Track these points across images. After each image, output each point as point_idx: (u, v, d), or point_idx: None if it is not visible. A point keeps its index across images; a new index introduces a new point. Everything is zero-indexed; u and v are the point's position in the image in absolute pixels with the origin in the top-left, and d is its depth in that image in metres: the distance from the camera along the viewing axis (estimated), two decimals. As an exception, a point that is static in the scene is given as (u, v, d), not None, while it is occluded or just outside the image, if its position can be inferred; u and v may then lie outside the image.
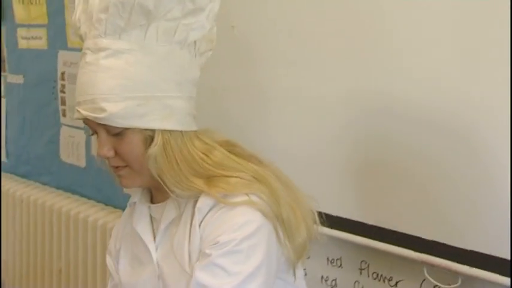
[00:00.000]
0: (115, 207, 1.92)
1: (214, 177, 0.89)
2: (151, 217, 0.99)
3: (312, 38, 1.28)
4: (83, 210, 1.94)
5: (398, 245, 1.17)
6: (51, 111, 2.14)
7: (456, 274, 1.09)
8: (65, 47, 2.04)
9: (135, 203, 1.02)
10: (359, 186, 1.24)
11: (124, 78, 0.85)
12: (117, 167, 0.90)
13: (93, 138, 0.93)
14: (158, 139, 0.87)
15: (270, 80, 1.37)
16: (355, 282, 1.30)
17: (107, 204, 1.96)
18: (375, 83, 1.19)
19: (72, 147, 2.08)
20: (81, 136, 2.04)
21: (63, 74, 2.07)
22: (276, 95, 1.36)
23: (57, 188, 2.14)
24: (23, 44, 2.22)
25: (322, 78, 1.27)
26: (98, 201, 1.99)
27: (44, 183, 2.19)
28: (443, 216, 1.11)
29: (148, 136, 0.87)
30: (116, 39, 0.86)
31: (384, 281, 1.24)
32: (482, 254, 1.07)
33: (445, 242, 1.11)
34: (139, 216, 0.99)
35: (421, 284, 1.19)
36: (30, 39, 2.19)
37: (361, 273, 1.28)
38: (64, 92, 2.08)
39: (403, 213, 1.17)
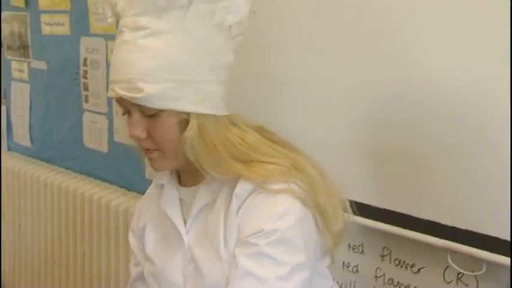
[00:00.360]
0: (137, 192, 1.94)
1: (251, 162, 0.88)
2: (180, 200, 0.98)
3: (333, 26, 1.27)
4: (106, 195, 1.96)
5: (422, 232, 1.16)
6: (74, 97, 2.16)
7: (481, 261, 1.08)
8: (87, 33, 2.05)
9: (163, 184, 1.01)
10: (381, 172, 1.23)
11: (163, 60, 0.83)
12: (148, 150, 0.89)
13: (124, 119, 0.92)
14: (193, 123, 0.86)
15: (290, 66, 1.36)
16: (376, 269, 1.29)
17: (128, 190, 1.98)
18: (392, 72, 1.18)
19: (95, 133, 2.10)
20: (103, 122, 2.05)
21: (85, 60, 2.09)
22: (295, 82, 1.35)
23: (80, 173, 2.17)
24: (46, 30, 2.24)
25: (342, 66, 1.26)
26: (120, 187, 2.02)
27: (67, 168, 2.22)
28: (467, 203, 1.10)
29: (183, 119, 0.86)
30: (155, 18, 0.84)
31: (406, 267, 1.24)
32: (507, 241, 1.05)
33: (469, 229, 1.09)
34: (169, 198, 0.98)
35: (444, 271, 1.18)
36: (53, 25, 2.20)
37: (382, 259, 1.28)
38: (86, 78, 2.10)
39: (425, 199, 1.16)
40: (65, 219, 2.09)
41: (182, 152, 0.88)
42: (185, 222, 0.96)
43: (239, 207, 0.88)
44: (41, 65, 2.29)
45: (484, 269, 1.07)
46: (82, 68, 2.11)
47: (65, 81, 2.19)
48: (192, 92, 0.85)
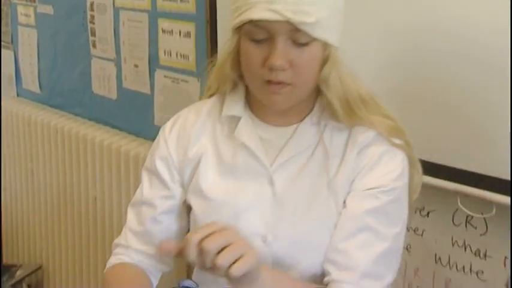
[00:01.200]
0: (146, 138, 1.94)
1: (371, 111, 0.87)
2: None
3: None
4: (115, 141, 1.97)
5: (431, 175, 1.16)
6: (81, 42, 2.14)
7: (491, 203, 1.07)
8: (93, -24, 2.01)
9: (236, 117, 0.92)
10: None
11: None
12: (279, 84, 0.82)
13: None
14: (335, 58, 0.83)
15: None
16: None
17: (137, 136, 1.99)
18: (418, 17, 1.14)
19: (104, 80, 2.09)
20: (111, 68, 2.04)
21: (92, 4, 2.05)
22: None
23: (90, 119, 2.17)
24: (51, -27, 2.20)
25: (367, 9, 1.22)
26: (129, 133, 2.02)
27: (77, 115, 2.22)
28: (477, 146, 1.09)
29: (327, 53, 0.82)
30: None
31: (415, 211, 1.24)
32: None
33: (479, 172, 1.09)
34: (247, 132, 0.91)
35: (454, 214, 1.18)
36: (58, -32, 2.16)
37: (392, 203, 1.28)
38: (93, 23, 2.07)
39: (435, 143, 1.15)
40: (76, 165, 2.11)
41: (310, 89, 0.85)
42: (272, 161, 0.90)
43: (358, 156, 0.87)
44: (48, 10, 2.26)
45: (494, 211, 1.07)
46: (89, 13, 2.07)
47: (72, 27, 2.16)
48: (339, 25, 0.83)
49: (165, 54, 1.82)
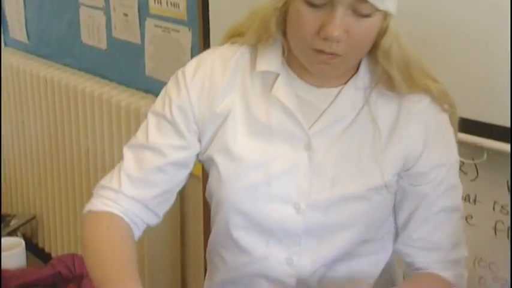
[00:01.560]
0: (137, 89, 1.93)
1: (424, 76, 0.84)
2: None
3: None
4: (106, 91, 1.95)
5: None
6: (68, -11, 2.09)
7: (481, 149, 1.08)
8: None
9: (272, 73, 0.85)
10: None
11: None
12: (332, 54, 0.76)
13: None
14: (393, 28, 0.78)
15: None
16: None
17: (128, 87, 1.97)
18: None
19: (93, 29, 2.05)
20: (101, 17, 2.00)
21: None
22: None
23: (79, 69, 2.14)
24: None
25: None
26: (120, 83, 2.00)
27: (66, 65, 2.19)
28: (466, 91, 1.09)
29: (387, 23, 0.77)
30: None
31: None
32: (507, 128, 1.05)
33: (470, 118, 1.09)
34: (286, 90, 0.84)
35: (444, 160, 1.20)
36: None
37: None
38: (80, -31, 2.02)
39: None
40: (67, 116, 2.10)
41: (360, 59, 0.82)
42: (312, 123, 0.84)
43: (415, 128, 0.84)
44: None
45: (485, 157, 1.09)
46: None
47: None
48: None
49: (155, 2, 1.78)
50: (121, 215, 0.87)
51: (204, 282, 1.01)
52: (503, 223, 1.14)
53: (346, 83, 0.84)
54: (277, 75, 0.84)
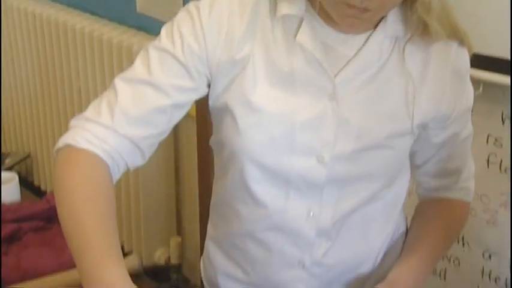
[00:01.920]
0: (129, 26, 1.88)
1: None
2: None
3: None
4: (96, 28, 1.90)
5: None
6: None
7: (478, 81, 1.08)
8: None
9: (294, 16, 0.79)
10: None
11: None
12: (364, 9, 0.72)
13: None
14: None
15: None
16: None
17: (119, 23, 1.92)
18: None
19: (80, -38, 1.98)
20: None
21: None
22: None
23: (68, 5, 2.09)
24: None
25: None
26: (110, 20, 1.95)
27: (54, 0, 2.13)
28: (463, 22, 1.07)
29: None
30: None
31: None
32: (504, 59, 1.05)
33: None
34: (310, 35, 0.79)
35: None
36: None
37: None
38: None
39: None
40: (58, 54, 2.06)
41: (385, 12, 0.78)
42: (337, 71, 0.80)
43: (447, 75, 0.83)
44: None
45: (481, 89, 1.08)
46: None
47: None
48: None
49: None
50: (104, 157, 0.78)
51: (207, 229, 0.99)
52: (496, 156, 1.16)
53: (374, 29, 0.81)
54: (301, 19, 0.79)
